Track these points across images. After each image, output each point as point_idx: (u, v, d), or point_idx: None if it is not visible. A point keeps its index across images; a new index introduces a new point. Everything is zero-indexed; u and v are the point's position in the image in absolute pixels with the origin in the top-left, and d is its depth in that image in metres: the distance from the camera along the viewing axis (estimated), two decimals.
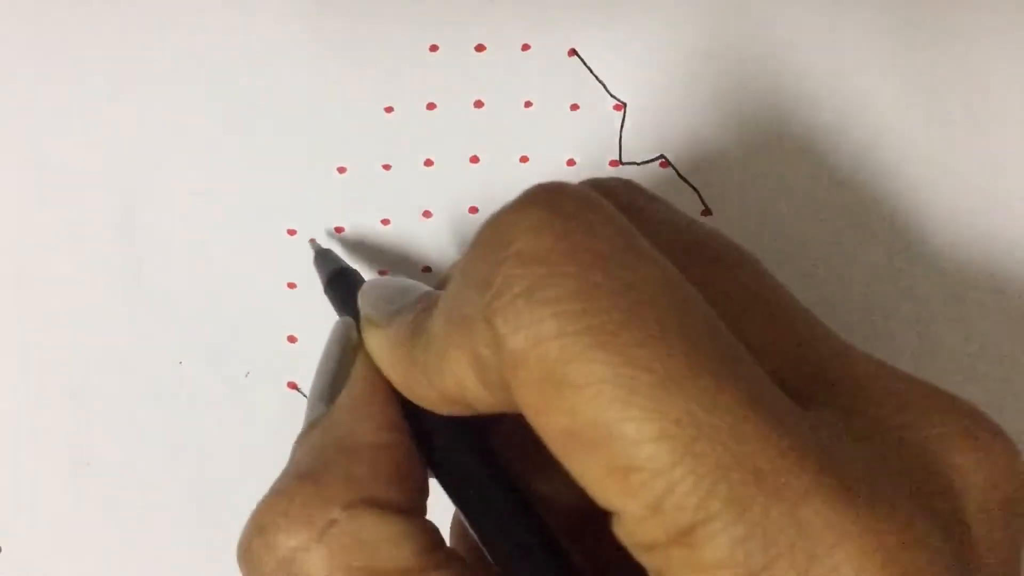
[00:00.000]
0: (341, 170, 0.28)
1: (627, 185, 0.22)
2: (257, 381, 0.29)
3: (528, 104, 0.28)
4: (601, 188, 0.21)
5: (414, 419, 0.21)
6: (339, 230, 0.28)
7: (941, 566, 0.16)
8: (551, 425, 0.17)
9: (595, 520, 0.18)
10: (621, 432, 0.16)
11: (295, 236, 0.29)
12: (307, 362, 0.29)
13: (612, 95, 0.28)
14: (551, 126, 0.28)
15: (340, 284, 0.26)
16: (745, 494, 0.16)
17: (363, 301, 0.22)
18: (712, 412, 0.16)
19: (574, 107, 0.28)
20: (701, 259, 0.20)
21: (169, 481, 0.29)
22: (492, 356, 0.17)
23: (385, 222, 0.28)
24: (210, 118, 0.29)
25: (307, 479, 0.20)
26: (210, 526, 0.29)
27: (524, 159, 0.28)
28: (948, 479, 0.17)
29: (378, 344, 0.22)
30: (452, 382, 0.19)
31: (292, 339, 0.29)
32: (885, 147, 0.28)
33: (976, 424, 0.18)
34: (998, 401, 0.27)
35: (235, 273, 0.29)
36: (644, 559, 0.17)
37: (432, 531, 0.20)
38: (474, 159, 0.28)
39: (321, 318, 0.29)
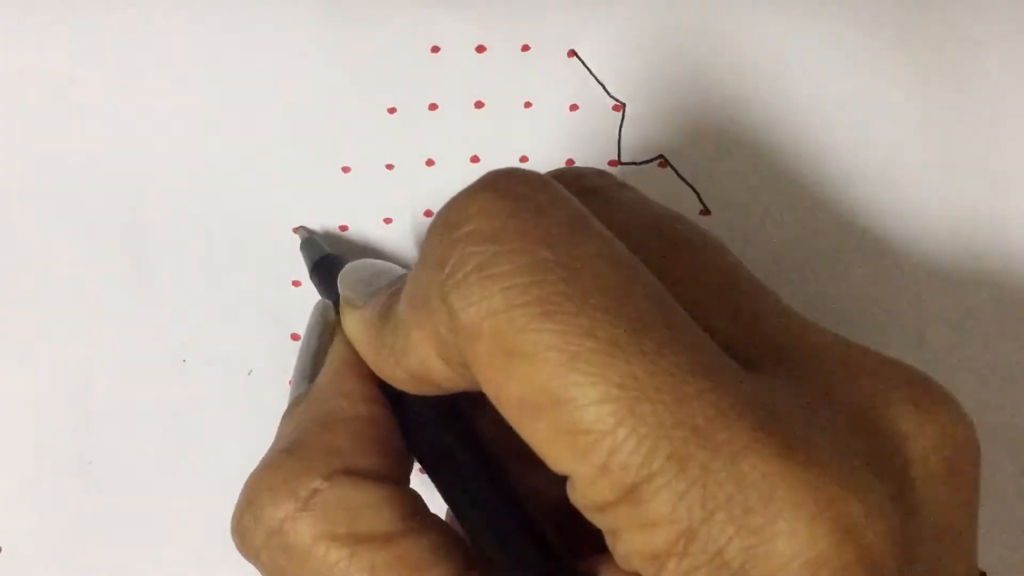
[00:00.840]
0: (345, 170, 0.29)
1: (598, 172, 0.23)
2: (260, 379, 0.29)
3: (528, 105, 0.29)
4: (571, 173, 0.22)
5: (391, 398, 0.22)
6: (343, 228, 0.29)
7: (879, 518, 0.16)
8: (506, 395, 0.18)
9: (578, 516, 0.18)
10: (568, 396, 0.17)
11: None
12: None
13: (611, 95, 0.28)
14: (551, 126, 0.28)
15: (323, 269, 0.26)
16: (685, 451, 0.16)
17: (342, 283, 0.23)
18: (653, 375, 0.16)
19: (574, 107, 0.28)
20: (662, 240, 0.21)
21: (171, 480, 0.29)
22: (450, 333, 0.18)
23: (388, 221, 0.29)
24: (215, 118, 0.29)
25: (289, 453, 0.21)
26: (212, 525, 0.29)
27: (524, 159, 0.29)
28: (894, 443, 0.18)
29: (353, 325, 0.23)
30: (417, 362, 0.20)
31: (296, 337, 0.29)
32: (884, 148, 0.28)
33: (925, 391, 0.19)
34: (997, 400, 0.28)
35: (239, 271, 0.29)
36: (597, 520, 0.18)
37: (414, 498, 0.21)
38: (475, 159, 0.29)
39: None
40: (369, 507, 0.20)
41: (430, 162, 0.29)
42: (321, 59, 0.29)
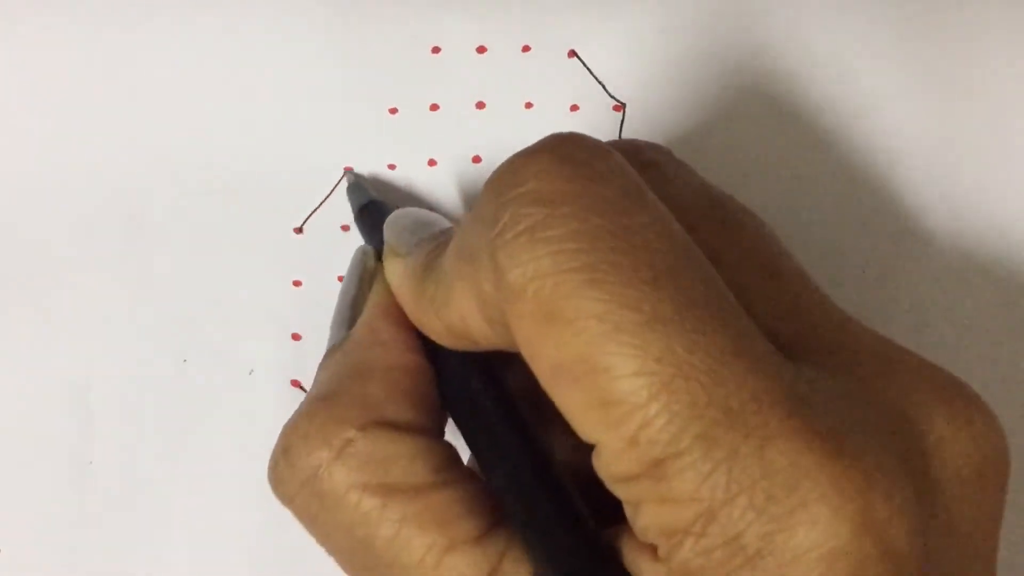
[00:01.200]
0: (347, 170, 0.29)
1: (655, 147, 0.23)
2: (261, 379, 0.29)
3: (529, 105, 0.29)
4: (629, 145, 0.22)
5: (427, 348, 0.22)
6: (345, 228, 0.29)
7: (902, 516, 0.16)
8: (542, 358, 0.18)
9: (598, 484, 0.19)
10: (604, 366, 0.17)
11: (301, 235, 0.29)
12: (311, 360, 0.29)
13: (612, 96, 0.29)
14: (551, 126, 0.28)
15: (369, 215, 0.26)
16: (715, 433, 0.16)
17: (388, 230, 0.23)
18: (692, 353, 0.16)
19: (574, 108, 0.29)
20: (712, 219, 0.21)
21: (171, 480, 0.29)
22: (493, 291, 0.18)
23: None
24: (215, 118, 0.29)
25: (325, 401, 0.21)
26: (211, 525, 0.29)
27: None
28: (925, 443, 0.18)
29: (395, 273, 0.23)
30: (456, 316, 0.20)
31: (296, 337, 0.29)
32: (888, 143, 0.28)
33: (959, 396, 0.19)
34: (995, 396, 0.28)
35: (240, 271, 0.29)
36: (619, 490, 0.18)
37: (447, 450, 0.21)
38: (476, 159, 0.29)
39: (326, 316, 0.29)
40: (402, 458, 0.20)
41: (432, 162, 0.29)
42: (322, 60, 0.29)
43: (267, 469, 0.22)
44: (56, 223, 0.29)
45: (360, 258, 0.25)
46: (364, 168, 0.29)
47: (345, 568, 0.22)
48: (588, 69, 0.28)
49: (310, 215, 0.29)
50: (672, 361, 0.16)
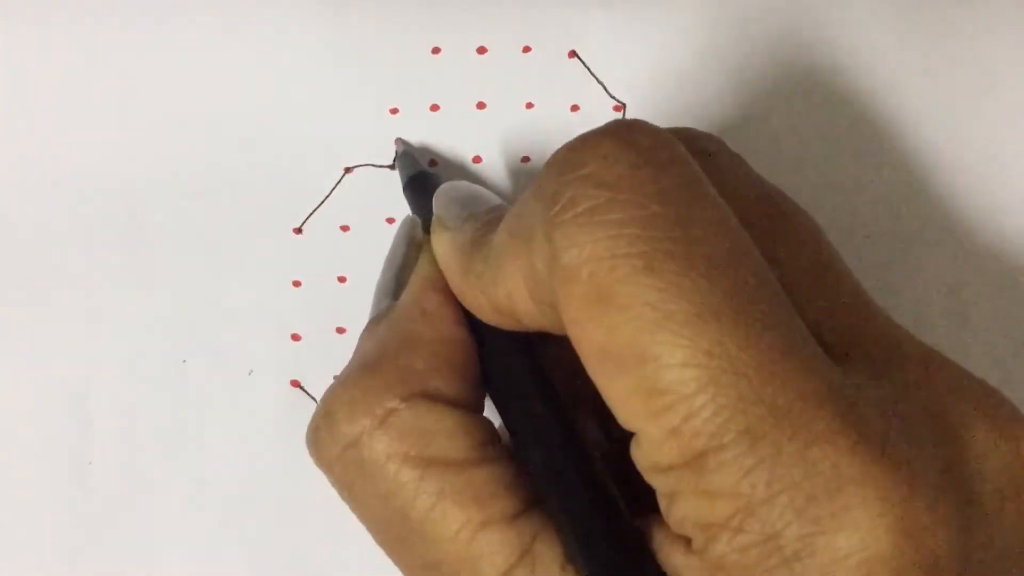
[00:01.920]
0: (348, 170, 0.29)
1: (711, 138, 0.23)
2: (260, 379, 0.29)
3: (529, 105, 0.29)
4: (686, 134, 0.22)
5: (470, 322, 0.22)
6: (344, 228, 0.29)
7: (943, 527, 0.16)
8: (590, 341, 0.18)
9: (631, 474, 0.18)
10: (653, 354, 0.17)
11: (301, 235, 0.29)
12: (311, 360, 0.29)
13: (612, 96, 0.28)
14: (552, 127, 0.29)
15: (418, 184, 0.26)
16: (760, 429, 0.16)
17: (437, 202, 0.23)
18: (744, 349, 0.16)
19: (574, 108, 0.29)
20: (765, 215, 0.21)
21: (170, 480, 0.29)
22: (545, 270, 0.18)
23: (390, 220, 0.29)
24: (215, 118, 0.29)
25: (369, 370, 0.21)
26: (211, 525, 0.29)
27: (526, 159, 0.29)
28: (967, 455, 0.18)
29: (442, 246, 0.22)
30: (503, 294, 0.20)
31: (296, 337, 0.29)
32: (892, 142, 0.28)
33: (1001, 410, 0.19)
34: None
35: (240, 271, 0.29)
36: (656, 480, 0.18)
37: (487, 426, 0.21)
38: (477, 159, 0.29)
39: (325, 317, 0.29)
40: (443, 432, 0.20)
41: (433, 162, 0.29)
42: (323, 60, 0.29)
43: (306, 434, 0.22)
44: (56, 223, 0.29)
45: (408, 228, 0.25)
46: (366, 168, 0.29)
47: (378, 538, 0.22)
48: (588, 69, 0.28)
49: (310, 215, 0.29)
50: (722, 355, 0.16)
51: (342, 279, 0.29)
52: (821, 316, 0.19)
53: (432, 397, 0.21)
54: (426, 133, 0.29)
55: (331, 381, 0.28)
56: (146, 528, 0.29)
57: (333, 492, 0.29)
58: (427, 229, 0.24)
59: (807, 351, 0.17)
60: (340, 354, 0.28)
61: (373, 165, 0.29)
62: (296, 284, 0.29)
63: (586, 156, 0.18)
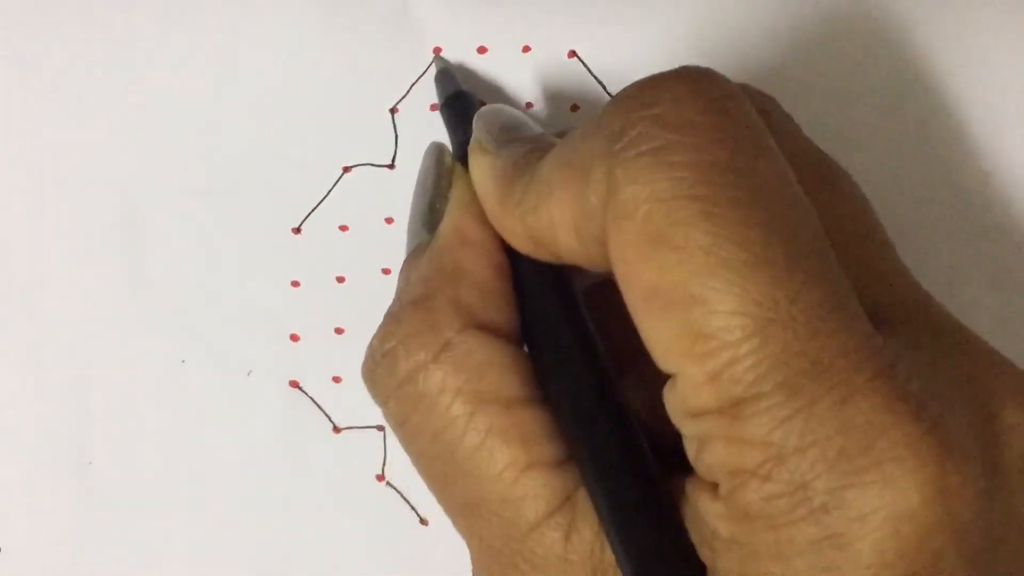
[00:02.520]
0: (346, 170, 0.29)
1: (767, 97, 0.23)
2: (259, 380, 0.29)
3: (529, 105, 0.29)
4: (747, 90, 0.22)
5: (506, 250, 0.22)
6: (343, 228, 0.29)
7: (972, 491, 0.16)
8: (638, 282, 0.18)
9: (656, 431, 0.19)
10: (703, 298, 0.17)
11: (299, 235, 0.29)
12: (310, 361, 0.29)
13: (612, 96, 0.28)
14: (553, 126, 0.28)
15: (456, 105, 0.26)
16: (799, 381, 0.16)
17: (478, 124, 0.23)
18: (793, 302, 0.17)
19: (574, 108, 0.29)
20: (817, 177, 0.21)
21: (170, 480, 0.29)
22: (599, 205, 0.18)
23: (389, 220, 0.29)
24: (214, 118, 0.29)
25: (420, 305, 0.21)
26: (211, 525, 0.29)
27: None
28: (996, 428, 0.18)
29: (481, 171, 0.22)
30: (545, 223, 0.20)
31: (295, 338, 0.29)
32: (886, 147, 0.28)
33: None
34: None
35: (238, 271, 0.29)
36: (687, 425, 0.18)
37: (531, 365, 0.21)
38: None
39: (324, 317, 0.29)
40: (496, 366, 0.20)
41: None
42: (322, 60, 0.29)
43: (362, 371, 0.22)
44: (55, 223, 0.29)
45: (437, 155, 0.24)
46: (364, 167, 0.29)
47: (425, 473, 0.22)
48: (588, 69, 0.28)
49: (308, 215, 0.29)
50: (771, 306, 0.16)
51: (341, 279, 0.29)
52: (863, 281, 0.19)
53: (485, 329, 0.21)
54: (427, 132, 0.29)
55: (330, 382, 0.29)
56: (146, 528, 0.29)
57: (332, 492, 0.29)
58: (458, 155, 0.23)
59: (852, 310, 0.17)
60: (339, 354, 0.29)
61: (372, 165, 0.29)
62: (295, 284, 0.29)
63: (657, 96, 0.18)
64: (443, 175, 0.24)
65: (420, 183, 0.24)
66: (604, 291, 0.21)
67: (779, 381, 0.16)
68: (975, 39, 0.27)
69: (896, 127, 0.28)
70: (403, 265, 0.23)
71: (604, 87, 0.28)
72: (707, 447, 0.18)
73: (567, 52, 0.28)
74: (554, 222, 0.20)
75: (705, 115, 0.18)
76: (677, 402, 0.18)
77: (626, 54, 0.28)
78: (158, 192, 0.29)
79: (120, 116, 0.29)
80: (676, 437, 0.19)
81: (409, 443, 0.21)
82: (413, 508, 0.29)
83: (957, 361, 0.19)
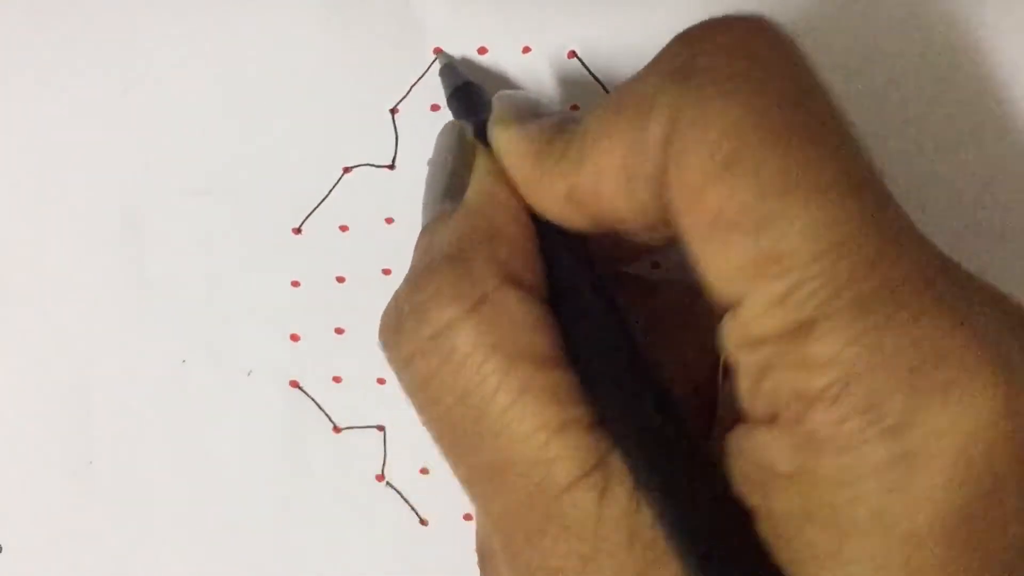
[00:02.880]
0: (346, 170, 0.29)
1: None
2: (259, 380, 0.29)
3: None
4: None
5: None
6: (343, 228, 0.29)
7: None
8: (703, 206, 0.18)
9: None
10: (774, 220, 0.17)
11: (300, 235, 0.29)
12: (310, 361, 0.29)
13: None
14: None
15: (466, 93, 0.26)
16: (870, 300, 0.16)
17: (499, 103, 0.23)
18: (864, 225, 0.17)
19: (574, 108, 0.28)
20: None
21: (170, 480, 0.29)
22: (661, 139, 0.18)
23: (389, 221, 0.29)
24: (214, 118, 0.29)
25: (454, 259, 0.20)
26: (211, 525, 0.29)
27: None
28: None
29: (509, 140, 0.22)
30: (590, 174, 0.20)
31: (295, 338, 0.29)
32: (886, 145, 0.28)
33: None
34: None
35: (238, 271, 0.29)
36: (747, 355, 0.18)
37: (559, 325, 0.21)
38: None
39: (324, 317, 0.29)
40: (530, 324, 0.20)
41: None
42: (323, 60, 0.29)
43: (382, 325, 0.21)
44: (55, 223, 0.29)
45: (457, 132, 0.24)
46: (365, 168, 0.29)
47: (443, 437, 0.21)
48: (588, 69, 0.28)
49: (308, 215, 0.29)
50: (844, 228, 0.17)
51: (341, 279, 0.29)
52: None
53: (520, 285, 0.20)
54: (427, 132, 0.29)
55: (330, 382, 0.29)
56: (146, 528, 0.29)
57: (333, 492, 0.29)
58: (477, 134, 0.24)
59: (918, 236, 0.18)
60: (339, 355, 0.29)
61: (372, 165, 0.29)
62: (295, 284, 0.29)
63: (723, 32, 0.19)
64: (467, 149, 0.24)
65: (438, 162, 0.24)
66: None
67: (849, 300, 0.16)
68: (975, 39, 0.27)
69: (895, 127, 0.28)
70: (421, 234, 0.22)
71: (604, 87, 0.28)
72: (769, 374, 0.18)
73: (567, 52, 0.28)
74: (601, 171, 0.20)
75: (774, 49, 0.18)
76: (737, 332, 0.18)
77: (626, 54, 0.28)
78: (158, 192, 0.29)
79: (120, 116, 0.29)
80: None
81: (432, 404, 0.20)
82: (413, 508, 0.29)
83: (1001, 306, 0.19)
